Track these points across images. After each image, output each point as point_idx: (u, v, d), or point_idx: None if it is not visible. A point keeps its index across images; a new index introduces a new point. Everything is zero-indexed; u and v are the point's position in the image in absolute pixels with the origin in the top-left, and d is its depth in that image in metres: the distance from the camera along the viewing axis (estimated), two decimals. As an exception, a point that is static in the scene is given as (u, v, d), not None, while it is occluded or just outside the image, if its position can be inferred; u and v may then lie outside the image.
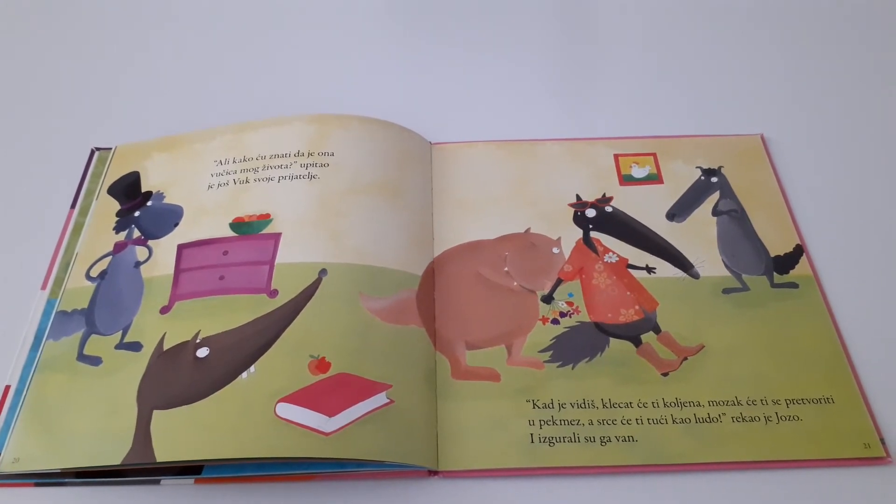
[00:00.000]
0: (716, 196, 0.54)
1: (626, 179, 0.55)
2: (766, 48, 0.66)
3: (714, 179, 0.55)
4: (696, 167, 0.55)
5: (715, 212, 0.53)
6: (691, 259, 0.50)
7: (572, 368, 0.45)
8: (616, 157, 0.56)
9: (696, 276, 0.50)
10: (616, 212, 0.53)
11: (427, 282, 0.49)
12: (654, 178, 0.55)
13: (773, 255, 0.51)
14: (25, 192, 0.56)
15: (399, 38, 0.70)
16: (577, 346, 0.46)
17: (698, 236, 0.51)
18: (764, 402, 0.44)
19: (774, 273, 0.50)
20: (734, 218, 0.53)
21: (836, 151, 0.58)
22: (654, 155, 0.56)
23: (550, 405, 0.44)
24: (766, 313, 0.48)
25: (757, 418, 0.43)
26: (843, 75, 0.64)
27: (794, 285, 0.49)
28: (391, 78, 0.65)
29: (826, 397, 0.44)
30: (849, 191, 0.55)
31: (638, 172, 0.55)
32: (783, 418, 0.43)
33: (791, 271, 0.50)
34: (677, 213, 0.53)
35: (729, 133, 0.58)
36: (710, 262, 0.50)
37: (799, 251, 0.51)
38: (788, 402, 0.44)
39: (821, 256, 0.51)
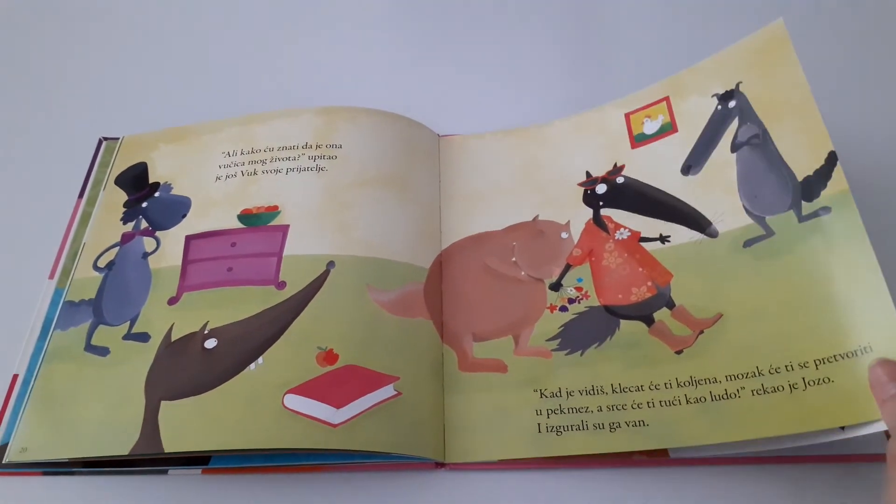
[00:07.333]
0: (734, 125, 0.48)
1: (639, 139, 0.52)
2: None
3: (732, 104, 0.48)
4: (713, 95, 0.49)
5: (734, 146, 0.48)
6: (709, 215, 0.47)
7: (581, 355, 0.45)
8: (627, 116, 0.53)
9: (713, 234, 0.46)
10: (628, 181, 0.51)
11: (434, 274, 0.49)
12: (668, 129, 0.51)
13: (801, 178, 0.43)
14: (33, 182, 0.56)
15: (406, 30, 0.70)
16: (585, 331, 0.45)
17: (716, 185, 0.47)
18: (789, 367, 0.39)
19: (803, 202, 0.43)
20: (755, 147, 0.47)
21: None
22: (667, 99, 0.52)
23: (558, 394, 0.43)
24: (792, 261, 0.42)
25: (781, 388, 0.39)
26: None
27: (826, 210, 0.42)
28: (399, 70, 0.65)
29: (862, 347, 0.37)
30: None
31: (650, 127, 0.52)
32: (811, 383, 0.38)
33: (823, 192, 0.42)
34: (693, 163, 0.49)
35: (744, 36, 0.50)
36: (729, 212, 0.46)
37: (833, 160, 0.42)
38: (818, 362, 0.38)
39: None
